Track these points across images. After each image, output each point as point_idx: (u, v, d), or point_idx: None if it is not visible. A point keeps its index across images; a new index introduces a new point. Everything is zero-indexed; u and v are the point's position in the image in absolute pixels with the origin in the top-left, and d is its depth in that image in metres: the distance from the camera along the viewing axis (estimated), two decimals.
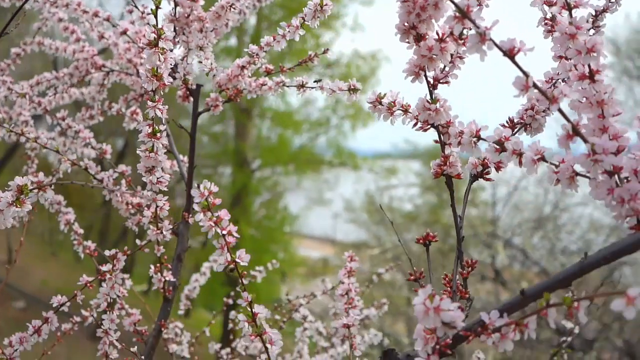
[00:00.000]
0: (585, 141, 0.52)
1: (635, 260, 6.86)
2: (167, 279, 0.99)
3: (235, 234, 0.63)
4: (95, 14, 1.11)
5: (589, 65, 0.54)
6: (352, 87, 0.85)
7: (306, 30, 0.92)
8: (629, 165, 0.53)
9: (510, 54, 0.52)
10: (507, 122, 0.70)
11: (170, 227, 0.93)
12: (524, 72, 0.51)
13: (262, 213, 11.63)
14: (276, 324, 1.31)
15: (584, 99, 0.55)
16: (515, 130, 0.69)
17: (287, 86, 0.99)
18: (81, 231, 1.12)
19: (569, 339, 1.13)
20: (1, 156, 7.32)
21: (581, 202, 6.95)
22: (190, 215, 0.98)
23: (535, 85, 0.51)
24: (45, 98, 1.22)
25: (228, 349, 1.39)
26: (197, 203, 0.62)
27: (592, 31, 0.73)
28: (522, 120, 0.69)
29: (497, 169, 0.67)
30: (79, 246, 1.09)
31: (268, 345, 0.65)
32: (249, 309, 0.66)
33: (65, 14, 1.21)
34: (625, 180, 0.52)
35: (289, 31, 0.91)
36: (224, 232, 0.63)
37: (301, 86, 0.98)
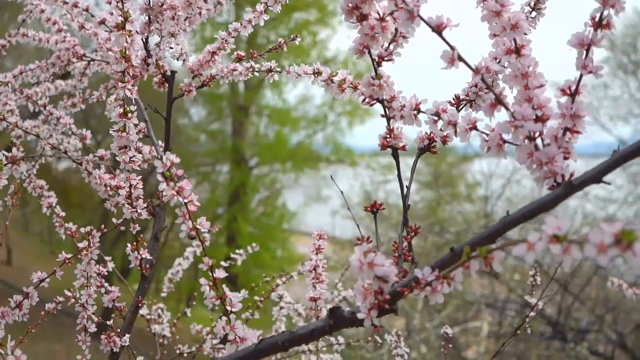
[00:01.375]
0: (507, 109, 0.56)
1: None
2: (143, 256, 1.03)
3: (197, 203, 0.68)
4: (75, 5, 1.16)
5: (515, 40, 0.59)
6: (316, 70, 0.90)
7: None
8: (550, 132, 0.58)
9: (438, 29, 0.56)
10: (453, 98, 0.74)
11: (145, 205, 0.97)
12: (451, 46, 0.56)
13: (260, 210, 11.67)
14: (254, 304, 1.36)
15: (511, 71, 0.59)
16: (461, 106, 0.74)
17: (257, 71, 1.04)
18: (63, 214, 1.16)
19: (532, 313, 1.17)
20: None
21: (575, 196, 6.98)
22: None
23: (460, 58, 0.55)
24: (31, 89, 1.26)
25: (208, 329, 1.44)
26: (159, 173, 0.66)
27: (533, 13, 0.77)
28: (467, 97, 0.73)
29: (444, 142, 0.72)
30: (61, 228, 1.14)
31: (228, 307, 0.70)
32: (211, 274, 0.70)
33: (47, 5, 1.25)
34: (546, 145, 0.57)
35: (254, 16, 0.96)
36: (186, 200, 0.67)
37: (269, 70, 1.02)
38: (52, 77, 1.27)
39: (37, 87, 1.24)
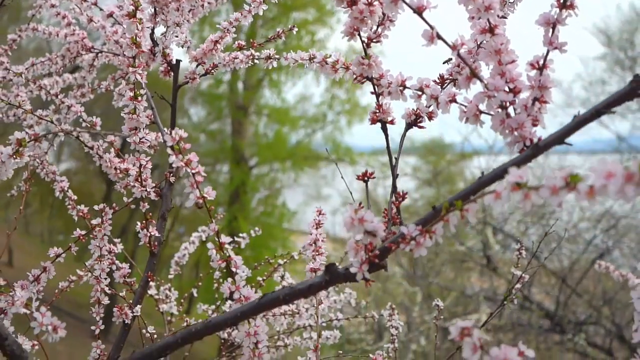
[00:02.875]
0: (482, 81, 0.63)
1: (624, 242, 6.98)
2: (152, 234, 1.10)
3: (203, 174, 0.75)
4: None
5: (489, 21, 0.65)
6: (312, 56, 0.96)
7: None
8: (521, 102, 0.65)
9: (419, 10, 0.63)
10: (438, 77, 0.81)
11: (154, 185, 1.04)
12: (430, 26, 0.63)
13: (260, 210, 11.72)
14: (257, 283, 1.43)
15: (485, 49, 0.66)
16: (446, 84, 0.80)
17: (257, 59, 1.10)
18: (75, 197, 1.23)
19: (519, 285, 1.24)
20: None
21: None
22: (173, 175, 1.10)
23: (438, 36, 0.62)
24: (42, 81, 1.33)
25: (214, 307, 1.51)
26: (169, 146, 0.73)
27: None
28: (450, 76, 0.80)
29: (429, 118, 0.79)
30: (73, 210, 1.21)
31: (234, 269, 0.77)
32: (217, 239, 0.77)
33: (57, 1, 1.32)
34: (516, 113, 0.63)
35: (254, 6, 1.03)
36: (194, 171, 0.74)
37: (268, 58, 1.09)
38: (61, 69, 1.34)
39: (48, 79, 1.31)
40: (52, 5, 1.33)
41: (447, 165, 11.00)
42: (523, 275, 1.24)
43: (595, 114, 0.58)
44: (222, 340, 1.45)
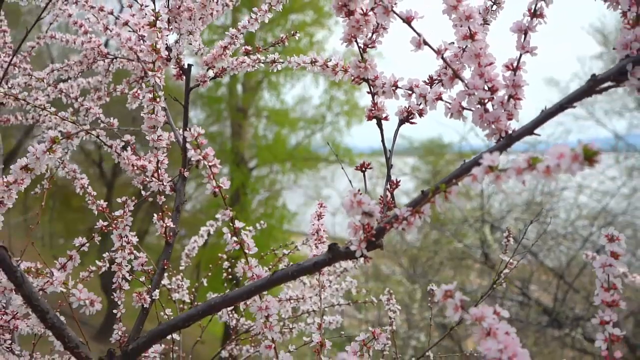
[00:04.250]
0: (463, 81, 0.73)
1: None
2: (168, 225, 1.19)
3: (219, 165, 0.84)
4: (101, 9, 1.32)
5: (469, 28, 0.75)
6: (313, 60, 1.06)
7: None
8: (498, 99, 0.74)
9: (408, 20, 0.72)
10: (427, 78, 0.90)
11: (170, 179, 1.13)
12: (418, 34, 0.72)
13: (261, 211, 11.80)
14: None
15: (466, 53, 0.75)
16: (434, 85, 0.90)
17: (262, 62, 1.20)
18: (94, 193, 1.32)
19: (506, 271, 1.33)
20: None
21: (564, 187, 7.17)
22: (187, 170, 1.19)
23: (425, 42, 0.72)
24: (61, 84, 1.42)
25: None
26: (188, 142, 0.82)
27: (494, 7, 0.93)
28: (438, 77, 0.89)
29: (420, 114, 0.88)
30: (93, 205, 1.30)
31: (246, 251, 0.86)
32: (232, 224, 0.86)
33: (75, 10, 1.42)
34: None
35: (260, 14, 1.12)
36: (210, 163, 0.84)
37: (273, 61, 1.18)
38: (79, 74, 1.43)
39: (63, 83, 1.41)
40: (69, 15, 1.42)
41: (446, 165, 11.09)
42: (511, 261, 1.33)
43: (560, 108, 0.67)
44: (231, 328, 1.54)
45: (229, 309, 1.58)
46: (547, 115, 0.68)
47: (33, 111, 1.41)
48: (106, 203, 1.28)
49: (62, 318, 0.89)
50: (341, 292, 1.56)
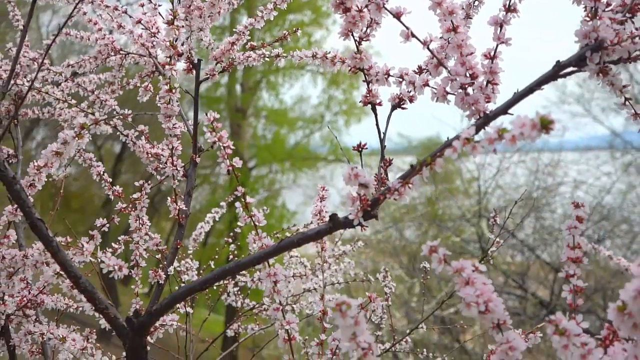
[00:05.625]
0: (446, 68, 0.83)
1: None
2: (180, 207, 1.29)
3: (232, 147, 0.94)
4: (115, 8, 1.42)
5: (452, 22, 0.85)
6: (314, 54, 1.16)
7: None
8: (477, 84, 0.84)
9: (397, 15, 0.82)
10: (417, 68, 1.00)
11: (183, 164, 1.23)
12: (406, 27, 0.82)
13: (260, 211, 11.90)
14: None
15: (449, 44, 0.86)
16: (422, 73, 1.00)
17: (267, 57, 1.30)
18: (110, 179, 1.42)
19: (493, 248, 1.43)
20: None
21: (561, 182, 7.29)
22: (198, 157, 1.29)
23: (412, 34, 0.82)
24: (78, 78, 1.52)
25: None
26: (205, 125, 0.92)
27: (476, 2, 1.03)
28: (426, 67, 0.99)
29: (410, 100, 0.98)
30: (110, 190, 1.40)
31: (257, 223, 0.96)
32: (243, 200, 0.96)
33: (89, 9, 1.52)
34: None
35: (265, 13, 1.22)
36: (225, 145, 0.94)
37: (277, 56, 1.29)
38: (94, 69, 1.53)
39: (82, 77, 1.51)
40: (85, 13, 1.52)
41: (444, 164, 11.14)
42: (497, 240, 1.43)
43: (529, 90, 0.77)
44: (237, 308, 1.65)
45: (236, 289, 1.69)
46: (518, 97, 0.78)
47: (49, 105, 1.51)
48: (121, 189, 1.38)
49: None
50: (340, 273, 1.66)
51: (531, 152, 8.11)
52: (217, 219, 1.79)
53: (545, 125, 0.59)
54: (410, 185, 0.81)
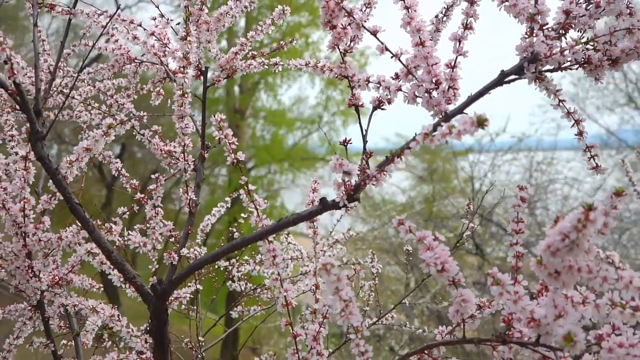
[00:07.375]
0: (414, 76, 1.01)
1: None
2: (191, 197, 1.47)
3: (236, 143, 1.12)
4: (131, 22, 1.60)
5: (419, 37, 1.03)
6: (307, 62, 1.34)
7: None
8: (441, 89, 1.02)
9: (374, 33, 1.00)
10: (394, 74, 1.18)
11: (193, 159, 1.41)
12: (381, 42, 1.00)
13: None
14: None
15: (417, 56, 1.03)
16: (398, 79, 1.18)
17: (267, 65, 1.48)
18: (127, 175, 1.60)
19: (468, 232, 1.60)
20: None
21: (554, 179, 7.47)
22: (206, 152, 1.47)
23: (386, 48, 1.00)
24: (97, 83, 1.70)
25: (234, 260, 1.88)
26: (213, 125, 1.10)
27: (444, 18, 1.21)
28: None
29: (388, 102, 1.16)
30: (127, 184, 1.58)
31: (257, 207, 1.14)
32: (246, 187, 1.14)
33: (105, 21, 1.69)
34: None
35: (264, 27, 1.41)
36: (230, 141, 1.12)
37: (276, 64, 1.46)
38: (112, 76, 1.71)
39: (101, 83, 1.69)
40: (103, 26, 1.70)
41: (442, 164, 11.34)
42: (472, 225, 1.60)
43: (479, 94, 0.95)
44: (242, 291, 1.83)
45: (240, 273, 1.87)
46: (470, 100, 0.96)
47: (69, 108, 1.69)
48: (137, 182, 1.56)
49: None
50: (333, 258, 1.83)
51: (524, 150, 8.31)
52: (222, 212, 1.97)
53: (480, 122, 0.77)
54: (385, 173, 0.99)
